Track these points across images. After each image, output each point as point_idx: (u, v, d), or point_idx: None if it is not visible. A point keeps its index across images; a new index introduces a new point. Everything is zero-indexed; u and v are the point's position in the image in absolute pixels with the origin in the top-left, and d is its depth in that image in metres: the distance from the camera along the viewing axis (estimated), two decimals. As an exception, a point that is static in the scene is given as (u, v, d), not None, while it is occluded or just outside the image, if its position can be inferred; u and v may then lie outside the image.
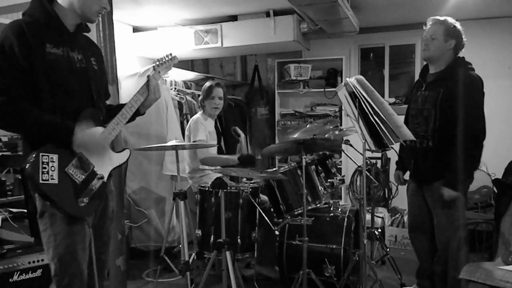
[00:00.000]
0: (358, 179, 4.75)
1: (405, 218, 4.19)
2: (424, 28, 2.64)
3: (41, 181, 1.55)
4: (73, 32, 1.75)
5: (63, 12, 1.70)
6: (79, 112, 1.69)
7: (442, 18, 2.59)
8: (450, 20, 2.58)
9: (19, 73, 1.57)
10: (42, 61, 1.60)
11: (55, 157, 1.59)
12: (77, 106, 1.70)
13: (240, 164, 3.10)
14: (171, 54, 2.03)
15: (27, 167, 1.55)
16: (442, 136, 2.53)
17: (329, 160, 3.10)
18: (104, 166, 1.77)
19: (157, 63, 1.99)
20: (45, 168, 1.56)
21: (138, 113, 1.92)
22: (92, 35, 3.13)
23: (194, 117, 3.42)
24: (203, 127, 3.29)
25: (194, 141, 3.22)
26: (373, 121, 2.30)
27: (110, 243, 1.95)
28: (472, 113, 2.45)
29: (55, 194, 1.58)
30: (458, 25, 2.57)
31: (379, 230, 3.78)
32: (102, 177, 1.74)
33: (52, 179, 1.58)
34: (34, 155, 1.55)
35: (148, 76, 1.92)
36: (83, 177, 1.67)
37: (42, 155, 1.57)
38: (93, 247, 1.76)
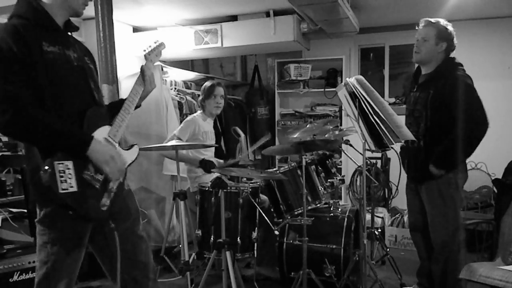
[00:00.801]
0: (358, 179, 4.75)
1: (405, 218, 4.19)
2: (417, 29, 2.64)
3: (60, 191, 1.47)
4: (63, 30, 1.70)
5: (51, 10, 1.62)
6: (84, 112, 1.64)
7: (434, 20, 2.58)
8: (443, 22, 2.57)
9: (24, 76, 1.48)
10: (42, 60, 1.52)
11: (70, 163, 1.51)
12: (81, 105, 1.64)
13: (200, 167, 3.08)
14: (158, 41, 2.01)
15: (42, 178, 1.47)
16: (433, 136, 2.55)
17: (329, 160, 3.10)
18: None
19: (147, 51, 1.97)
20: (62, 176, 1.48)
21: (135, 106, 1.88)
22: (92, 35, 3.15)
23: (191, 115, 3.41)
24: (194, 128, 3.25)
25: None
26: (373, 121, 2.30)
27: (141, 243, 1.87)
28: (469, 108, 2.44)
29: (77, 202, 1.52)
30: (450, 27, 2.57)
31: (379, 230, 3.78)
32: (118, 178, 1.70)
33: (71, 187, 1.50)
34: (48, 165, 1.47)
35: (141, 67, 1.90)
36: (101, 180, 1.61)
37: (58, 163, 1.48)
38: (118, 250, 1.72)
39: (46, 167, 1.47)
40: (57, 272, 1.64)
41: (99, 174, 1.61)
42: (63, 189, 1.48)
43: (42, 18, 1.61)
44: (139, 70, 1.90)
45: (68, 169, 1.51)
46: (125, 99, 1.82)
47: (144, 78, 1.89)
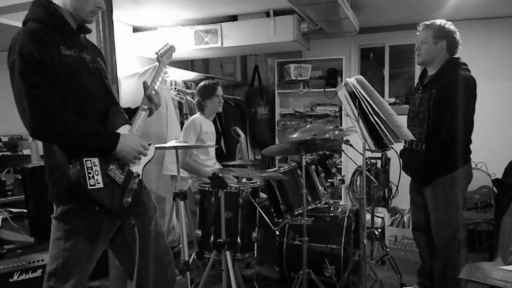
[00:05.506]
0: (358, 179, 4.74)
1: (405, 218, 4.19)
2: (417, 34, 2.68)
3: (89, 187, 1.52)
4: (77, 33, 1.72)
5: (65, 14, 1.64)
6: (105, 111, 1.67)
7: (429, 22, 2.63)
8: (439, 21, 2.61)
9: (48, 80, 1.50)
10: (61, 64, 1.54)
11: (96, 160, 1.57)
12: (101, 105, 1.68)
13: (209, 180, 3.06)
14: (168, 43, 2.01)
15: (72, 175, 1.50)
16: (435, 137, 2.55)
17: (329, 160, 3.10)
18: (137, 164, 1.75)
19: (160, 53, 1.96)
20: (90, 173, 1.53)
21: None
22: (92, 35, 3.12)
23: (190, 118, 3.40)
24: (196, 130, 3.26)
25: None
26: (373, 121, 2.30)
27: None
28: (459, 111, 2.45)
29: (103, 198, 1.56)
30: (448, 25, 2.60)
31: (379, 230, 3.78)
32: (138, 175, 1.74)
33: (98, 183, 1.55)
34: (78, 162, 1.51)
35: (148, 94, 1.80)
36: (123, 177, 1.66)
37: (86, 160, 1.53)
38: (137, 246, 1.75)
39: (75, 165, 1.51)
40: (67, 269, 1.66)
41: (122, 171, 1.66)
42: (91, 185, 1.53)
43: (58, 22, 1.62)
44: (145, 95, 1.81)
45: (95, 165, 1.56)
46: (136, 112, 1.81)
47: (150, 103, 1.81)
